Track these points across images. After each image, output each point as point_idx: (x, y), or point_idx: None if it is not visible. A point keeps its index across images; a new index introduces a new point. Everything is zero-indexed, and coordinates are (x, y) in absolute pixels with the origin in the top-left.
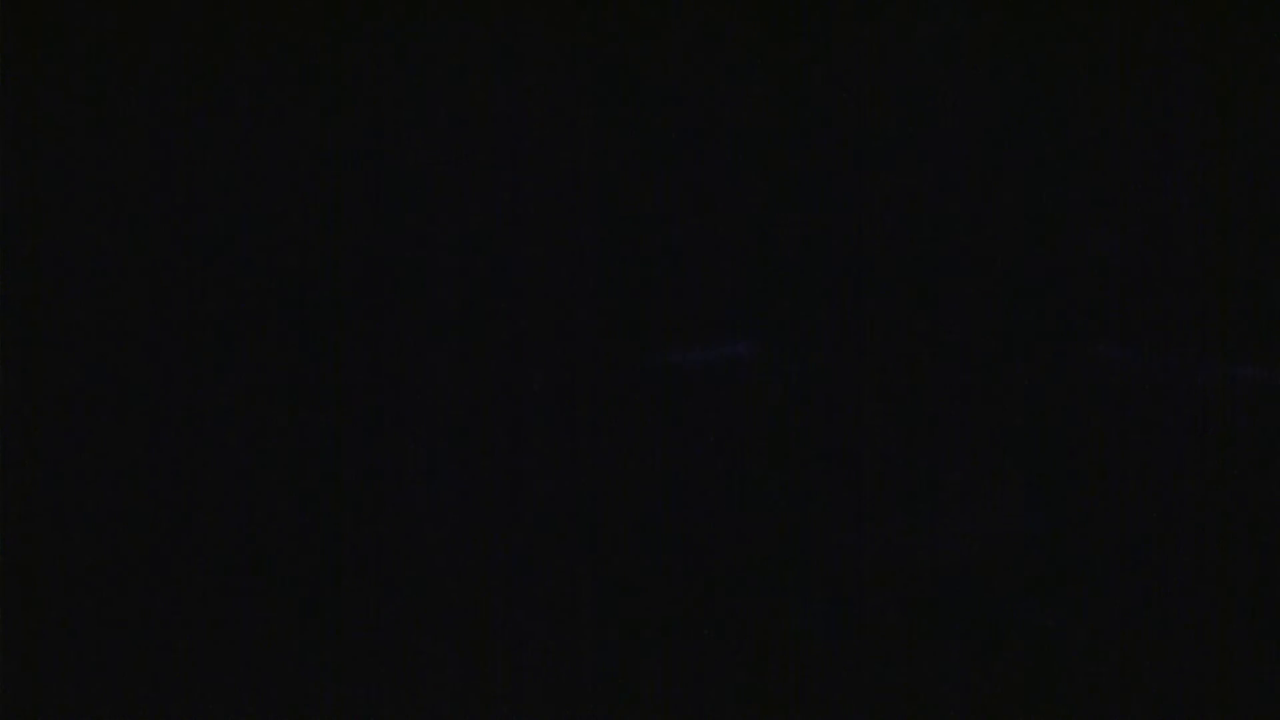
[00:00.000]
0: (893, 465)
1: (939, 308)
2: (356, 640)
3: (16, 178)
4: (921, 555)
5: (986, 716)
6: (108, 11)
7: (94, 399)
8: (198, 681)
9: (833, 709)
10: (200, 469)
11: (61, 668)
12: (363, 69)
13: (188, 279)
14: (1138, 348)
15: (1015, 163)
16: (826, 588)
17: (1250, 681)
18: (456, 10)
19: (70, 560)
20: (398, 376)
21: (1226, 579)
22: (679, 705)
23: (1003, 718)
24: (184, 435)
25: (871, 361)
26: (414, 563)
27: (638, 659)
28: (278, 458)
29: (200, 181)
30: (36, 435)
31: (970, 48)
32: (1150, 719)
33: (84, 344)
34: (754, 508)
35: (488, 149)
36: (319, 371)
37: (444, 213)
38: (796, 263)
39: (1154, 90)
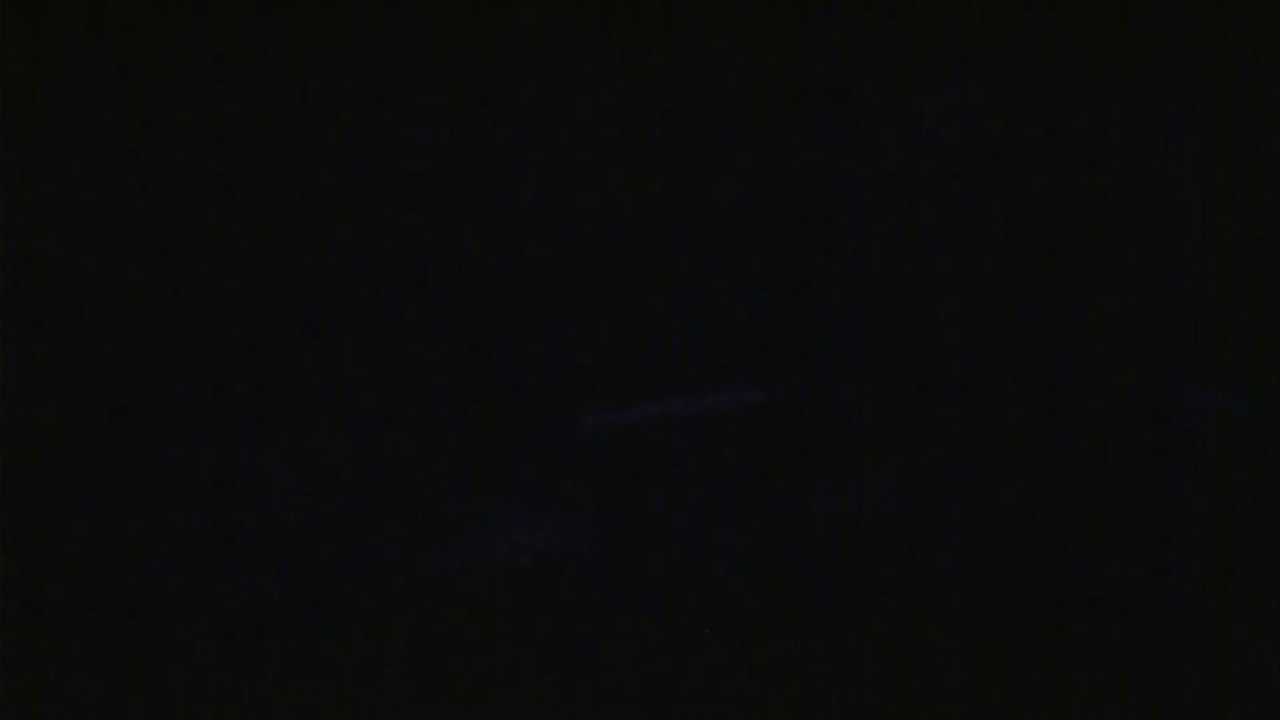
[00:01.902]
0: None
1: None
2: (355, 642)
3: (16, 178)
4: None
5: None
6: (107, 12)
7: (93, 398)
8: (197, 682)
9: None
10: (200, 469)
11: (61, 668)
12: (359, 71)
13: (186, 278)
14: (1227, 391)
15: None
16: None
17: None
18: (446, 17)
19: (70, 560)
20: (396, 375)
21: None
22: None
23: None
24: (184, 435)
25: (931, 406)
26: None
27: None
28: (273, 457)
29: (199, 180)
30: (36, 436)
31: (993, 91)
32: None
33: (83, 343)
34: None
35: (488, 161)
36: (316, 371)
37: (448, 230)
38: (828, 310)
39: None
